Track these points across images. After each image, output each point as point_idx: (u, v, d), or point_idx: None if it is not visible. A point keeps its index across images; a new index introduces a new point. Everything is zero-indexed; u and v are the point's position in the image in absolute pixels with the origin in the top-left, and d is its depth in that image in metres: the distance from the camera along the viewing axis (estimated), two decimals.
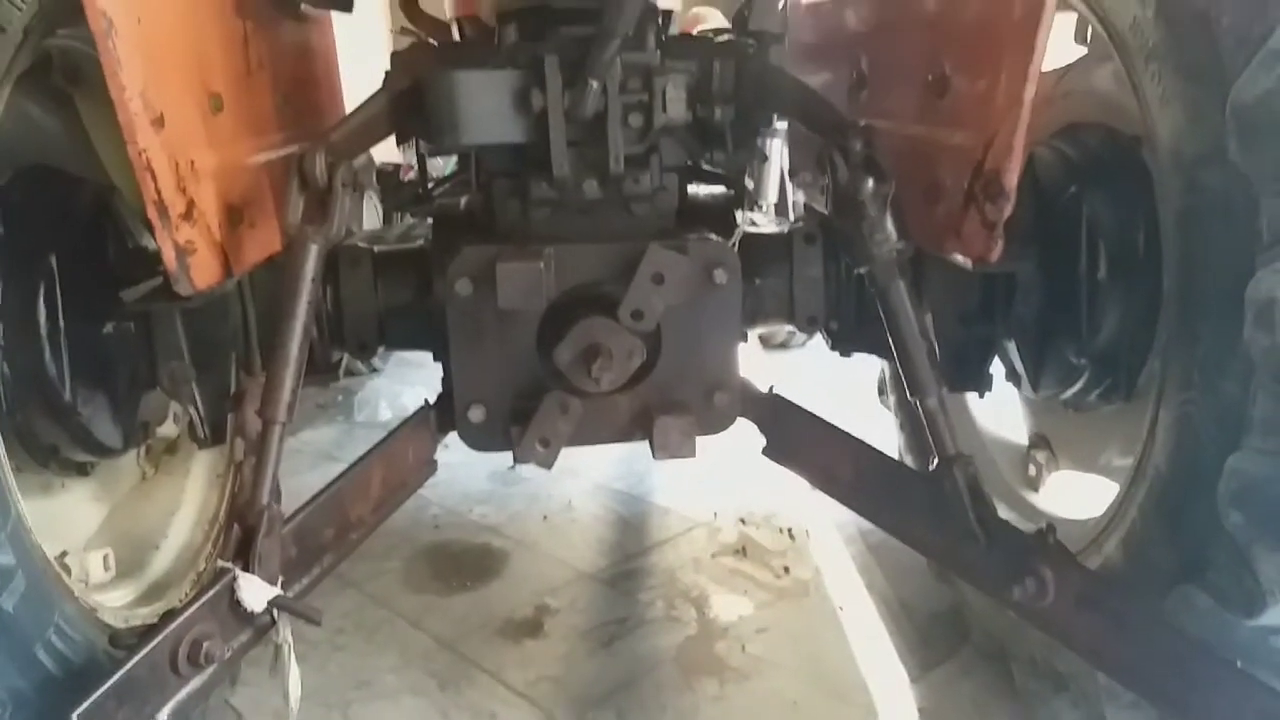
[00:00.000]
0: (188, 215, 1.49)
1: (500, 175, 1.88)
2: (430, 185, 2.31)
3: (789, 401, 1.98)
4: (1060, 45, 1.96)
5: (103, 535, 2.09)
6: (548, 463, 1.81)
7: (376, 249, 2.04)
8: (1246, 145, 1.36)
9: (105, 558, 1.98)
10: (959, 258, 1.70)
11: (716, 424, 1.89)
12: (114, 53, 1.33)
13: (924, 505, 1.70)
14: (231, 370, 1.98)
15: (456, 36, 2.81)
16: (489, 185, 1.90)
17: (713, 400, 1.88)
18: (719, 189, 2.20)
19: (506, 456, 1.84)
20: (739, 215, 2.18)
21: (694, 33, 2.45)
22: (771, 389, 2.02)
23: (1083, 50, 2.00)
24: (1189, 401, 1.52)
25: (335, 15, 2.45)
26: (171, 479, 2.28)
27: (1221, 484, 1.43)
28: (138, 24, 1.38)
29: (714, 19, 4.15)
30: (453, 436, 1.90)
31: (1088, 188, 1.84)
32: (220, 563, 1.49)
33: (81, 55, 1.77)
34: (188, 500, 2.27)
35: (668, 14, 2.03)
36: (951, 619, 2.48)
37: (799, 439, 1.96)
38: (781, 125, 2.35)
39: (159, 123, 1.42)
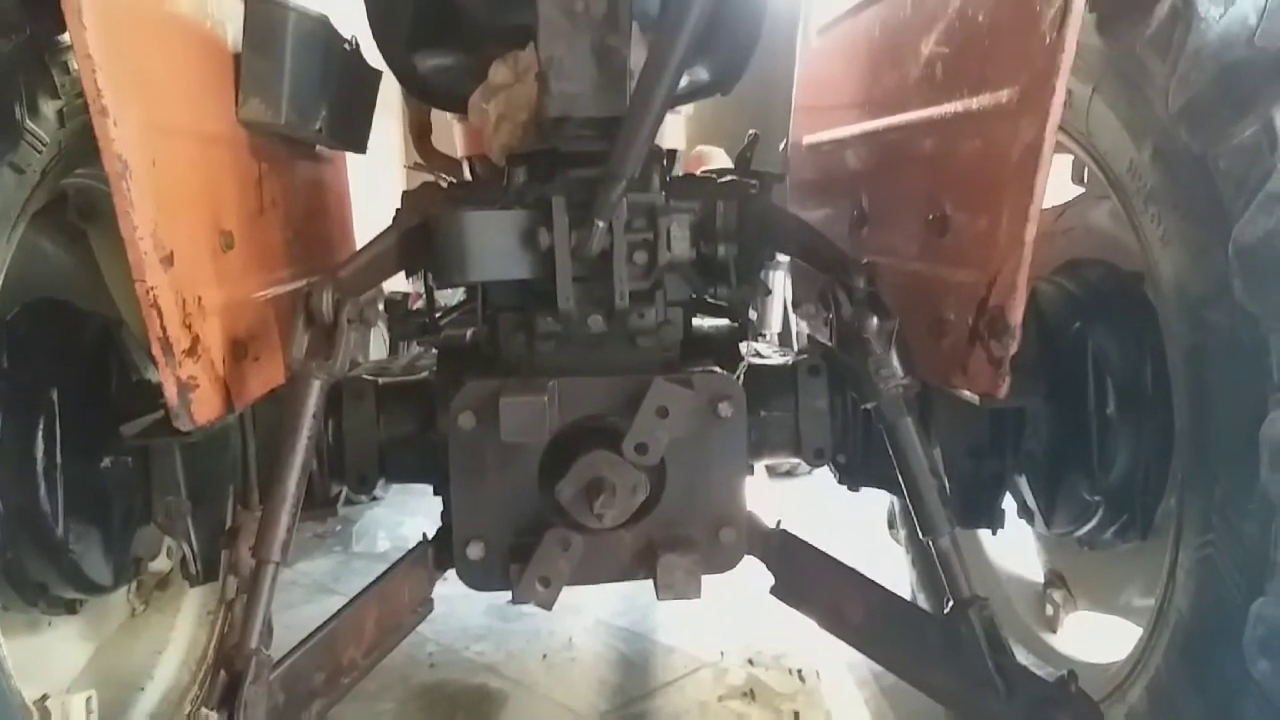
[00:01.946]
0: (192, 351, 1.49)
1: (506, 309, 1.89)
2: (438, 314, 2.32)
3: (797, 539, 1.94)
4: (1058, 183, 1.99)
5: (87, 676, 2.02)
6: (548, 603, 1.75)
7: (380, 380, 2.03)
8: (1252, 286, 1.37)
9: (89, 700, 1.90)
10: (966, 393, 1.69)
11: (723, 562, 1.84)
12: (128, 194, 1.35)
13: (939, 650, 1.64)
14: (228, 504, 1.94)
15: (467, 173, 2.88)
16: (494, 318, 1.91)
17: (719, 537, 1.83)
18: (723, 321, 2.21)
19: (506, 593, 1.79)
20: (744, 348, 2.18)
21: (698, 173, 2.51)
22: (779, 524, 1.97)
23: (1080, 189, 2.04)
24: (1209, 544, 1.48)
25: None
26: (161, 616, 2.22)
27: (1247, 631, 1.38)
28: (152, 166, 1.41)
29: (717, 158, 4.28)
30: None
31: (1093, 324, 1.84)
32: (204, 711, 1.43)
33: (97, 193, 1.80)
34: (176, 638, 2.21)
35: (672, 154, 2.08)
36: None
37: (808, 578, 1.90)
38: (785, 258, 2.39)
39: (168, 261, 1.43)
